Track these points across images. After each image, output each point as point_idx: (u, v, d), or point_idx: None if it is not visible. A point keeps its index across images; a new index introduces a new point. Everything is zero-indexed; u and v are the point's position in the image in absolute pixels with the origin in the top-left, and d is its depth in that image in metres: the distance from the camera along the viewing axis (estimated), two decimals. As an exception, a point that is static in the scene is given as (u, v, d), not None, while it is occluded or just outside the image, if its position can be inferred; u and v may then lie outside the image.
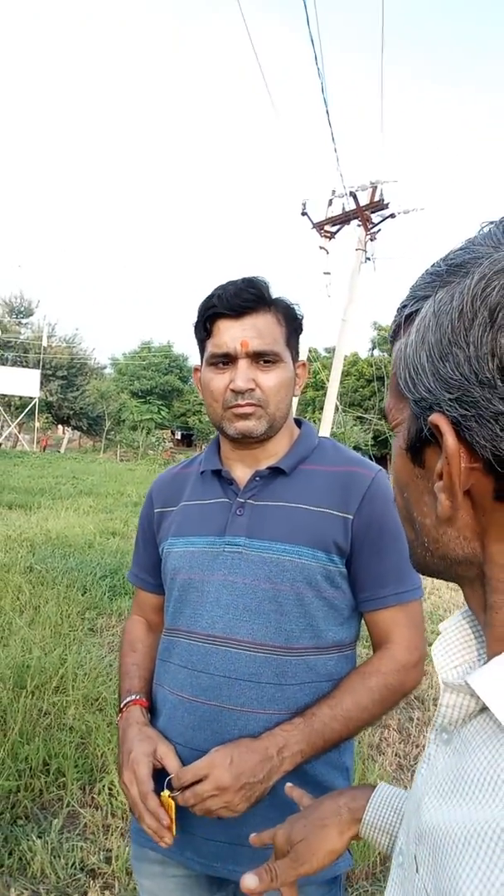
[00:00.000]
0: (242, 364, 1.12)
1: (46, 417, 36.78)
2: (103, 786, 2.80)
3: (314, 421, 22.86)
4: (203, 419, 40.52)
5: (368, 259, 15.11)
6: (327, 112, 9.46)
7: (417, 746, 3.40)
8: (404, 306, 0.50)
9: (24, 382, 31.58)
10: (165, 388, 43.77)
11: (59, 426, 41.33)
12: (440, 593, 6.80)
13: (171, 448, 40.02)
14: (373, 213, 14.32)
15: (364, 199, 14.17)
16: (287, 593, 1.10)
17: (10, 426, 32.74)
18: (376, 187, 14.06)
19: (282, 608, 1.10)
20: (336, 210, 14.53)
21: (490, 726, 0.45)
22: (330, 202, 14.47)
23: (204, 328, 1.17)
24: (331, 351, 27.21)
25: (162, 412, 43.23)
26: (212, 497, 1.22)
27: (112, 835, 2.54)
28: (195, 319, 1.19)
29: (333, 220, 14.58)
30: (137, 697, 1.22)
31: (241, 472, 1.21)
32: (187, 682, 1.14)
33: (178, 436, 48.38)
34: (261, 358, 1.12)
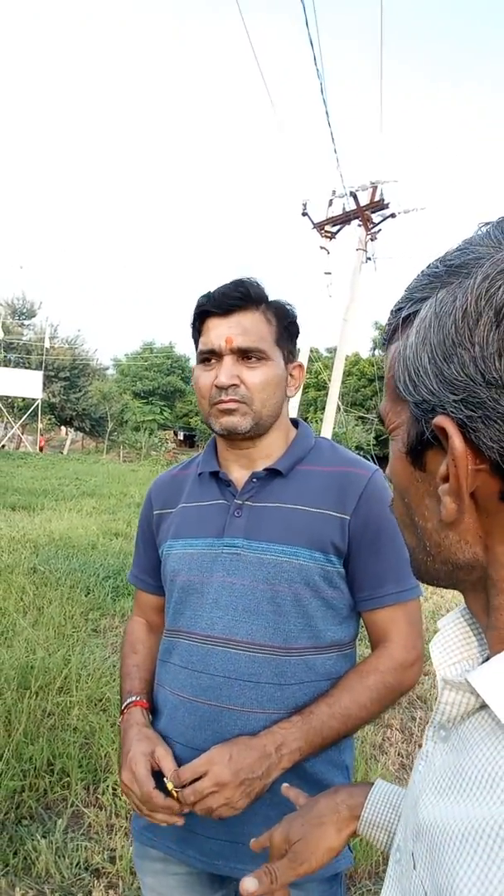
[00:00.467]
0: (227, 360, 1.14)
1: (49, 419, 36.80)
2: (107, 786, 2.82)
3: (316, 421, 22.86)
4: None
5: (369, 259, 15.13)
6: (327, 112, 9.49)
7: (420, 746, 3.40)
8: (400, 308, 0.50)
9: (27, 384, 31.63)
10: (168, 388, 43.77)
11: (62, 427, 41.38)
12: (442, 593, 6.80)
13: (173, 449, 40.06)
14: (373, 212, 14.35)
15: (364, 199, 14.20)
16: (285, 594, 1.11)
17: (13, 428, 32.78)
18: (376, 187, 14.08)
19: (280, 609, 1.11)
20: (336, 210, 14.57)
21: (489, 723, 0.45)
22: (330, 202, 14.50)
23: (195, 327, 1.20)
24: (332, 351, 27.19)
25: (164, 413, 43.24)
26: (210, 499, 1.23)
27: (116, 834, 2.55)
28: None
29: (334, 221, 14.59)
30: (138, 699, 1.23)
31: (239, 474, 1.22)
32: (187, 683, 1.15)
33: (181, 436, 48.40)
34: (246, 355, 1.14)
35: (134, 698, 1.23)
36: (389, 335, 0.52)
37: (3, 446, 31.25)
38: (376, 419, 34.71)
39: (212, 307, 1.15)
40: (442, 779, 0.48)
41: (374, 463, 1.23)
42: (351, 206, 14.20)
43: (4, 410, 32.60)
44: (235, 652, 1.11)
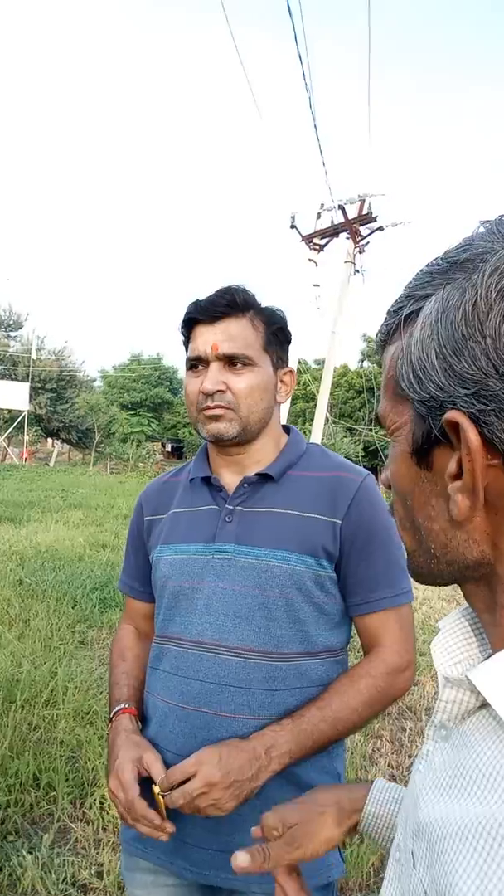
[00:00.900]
0: (213, 367, 1.14)
1: (36, 430, 36.59)
2: (94, 800, 2.78)
3: (305, 432, 22.86)
4: (193, 431, 40.48)
5: (357, 271, 15.25)
6: (315, 126, 9.59)
7: (410, 757, 3.39)
8: (400, 307, 0.49)
9: (13, 395, 31.46)
10: (155, 400, 43.70)
11: (49, 439, 41.14)
12: (431, 603, 6.81)
13: (161, 460, 39.92)
14: (361, 225, 14.47)
15: (352, 213, 14.32)
16: (276, 599, 1.11)
17: (-2, 439, 32.59)
18: (364, 200, 14.22)
19: (271, 614, 1.10)
20: (325, 223, 14.69)
21: (490, 722, 0.45)
22: (318, 215, 14.62)
23: (184, 334, 1.21)
24: (321, 363, 27.33)
25: (152, 424, 43.11)
26: (201, 504, 1.22)
27: (104, 849, 2.51)
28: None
29: (322, 233, 14.71)
30: (126, 706, 1.21)
31: (230, 479, 1.22)
32: (177, 690, 1.14)
33: (169, 448, 48.29)
34: (232, 361, 1.14)
35: (122, 706, 1.22)
36: (387, 335, 0.51)
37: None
38: (365, 430, 34.95)
39: (199, 315, 1.16)
40: (442, 778, 0.48)
41: None
42: (339, 219, 14.32)
43: (-10, 422, 32.40)
44: (226, 658, 1.10)
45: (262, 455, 1.21)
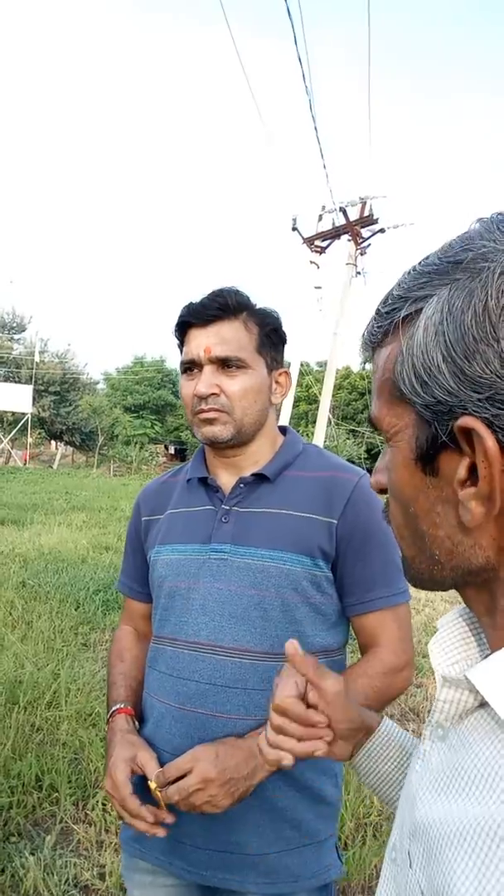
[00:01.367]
0: (207, 370, 1.15)
1: (39, 433, 36.68)
2: (97, 801, 2.78)
3: (307, 435, 22.92)
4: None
5: (359, 273, 15.25)
6: (315, 128, 9.66)
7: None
8: (395, 308, 0.48)
9: (17, 398, 31.57)
10: (158, 402, 43.77)
11: (52, 442, 41.22)
12: (434, 605, 6.80)
13: (164, 463, 39.90)
14: (363, 228, 14.48)
15: (354, 215, 14.33)
16: (272, 599, 1.11)
17: (2, 442, 32.64)
18: (366, 203, 14.23)
19: (267, 614, 1.11)
20: (326, 225, 14.71)
21: (488, 722, 0.45)
22: (320, 217, 14.64)
23: (178, 337, 1.22)
24: (323, 365, 27.33)
25: (155, 427, 43.19)
26: (198, 505, 1.23)
27: (106, 850, 2.52)
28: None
29: (324, 236, 14.73)
30: (123, 706, 1.22)
31: (226, 480, 1.22)
32: (173, 690, 1.14)
33: (172, 450, 48.30)
34: (226, 364, 1.14)
35: (119, 706, 1.22)
36: (380, 337, 0.50)
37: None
38: (367, 432, 34.92)
39: (191, 318, 1.17)
40: (440, 778, 0.47)
41: None
42: (340, 221, 14.34)
43: (-6, 425, 32.48)
44: (222, 658, 1.11)
45: (258, 456, 1.22)
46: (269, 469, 1.19)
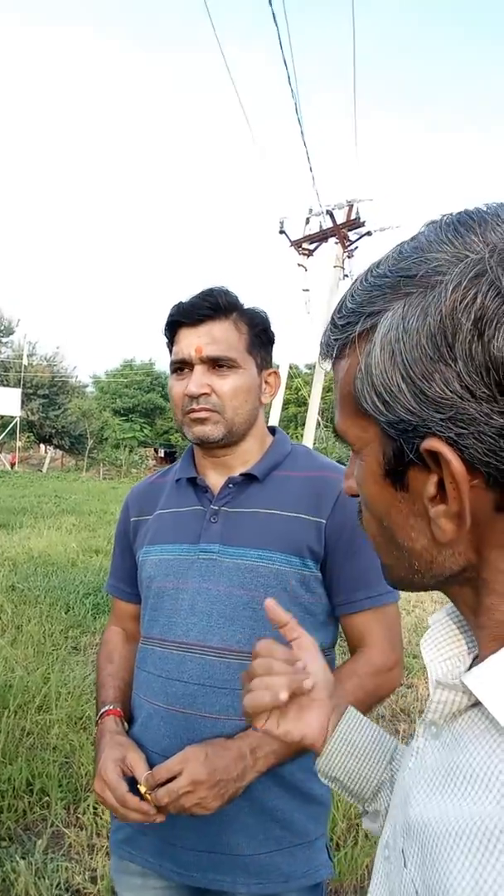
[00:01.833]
0: (198, 370, 1.15)
1: (28, 437, 36.53)
2: (88, 805, 2.77)
3: (297, 437, 22.96)
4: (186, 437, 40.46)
5: (346, 276, 15.29)
6: (302, 132, 9.68)
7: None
8: (349, 323, 0.47)
9: (5, 401, 31.41)
10: (148, 406, 43.68)
11: (41, 445, 41.04)
12: (424, 606, 6.82)
13: (154, 466, 39.79)
14: (349, 231, 14.56)
15: (341, 218, 14.41)
16: (261, 600, 1.10)
17: (-9, 446, 32.50)
18: (352, 206, 14.30)
19: (256, 614, 1.11)
20: (313, 228, 14.79)
21: (482, 721, 0.45)
22: (307, 220, 14.71)
23: (168, 337, 1.22)
24: (312, 367, 27.39)
25: (144, 430, 43.08)
26: (186, 505, 1.23)
27: (97, 854, 2.51)
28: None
29: (311, 238, 14.79)
30: (112, 707, 1.22)
31: (215, 480, 1.23)
32: (162, 691, 1.14)
33: (161, 454, 48.20)
34: (216, 363, 1.15)
35: (108, 707, 1.22)
36: (338, 351, 0.49)
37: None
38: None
39: (182, 317, 1.17)
40: (434, 776, 0.47)
41: None
42: (328, 224, 14.42)
43: (-18, 429, 32.30)
44: (211, 659, 1.11)
45: (247, 456, 1.22)
46: (258, 469, 1.20)
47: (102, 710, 1.22)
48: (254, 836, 1.09)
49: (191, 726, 1.10)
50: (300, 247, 14.69)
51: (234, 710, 1.09)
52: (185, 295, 1.19)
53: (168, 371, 1.23)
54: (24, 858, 2.43)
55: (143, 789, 1.03)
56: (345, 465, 0.62)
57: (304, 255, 14.71)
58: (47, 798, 2.81)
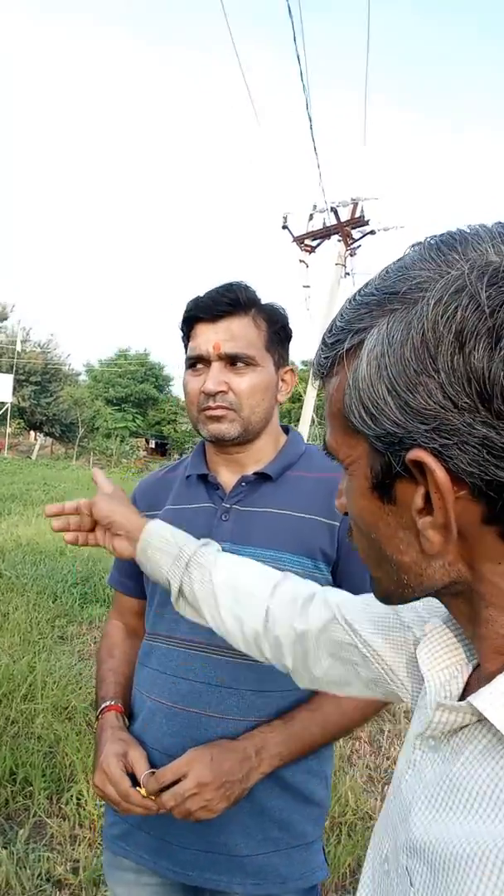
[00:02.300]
0: (215, 367, 1.13)
1: (18, 423, 36.33)
2: (71, 795, 2.76)
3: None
4: (178, 428, 40.45)
5: (348, 274, 15.26)
6: (311, 127, 9.59)
7: (388, 759, 3.40)
8: (338, 340, 0.48)
9: (-3, 387, 31.21)
10: (141, 396, 43.54)
11: (32, 432, 40.85)
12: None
13: (144, 457, 39.78)
14: (353, 228, 14.49)
15: (345, 215, 14.34)
16: None
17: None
18: (357, 204, 14.24)
19: None
20: (317, 224, 14.70)
21: (485, 736, 0.44)
22: (311, 216, 14.63)
23: (184, 331, 1.19)
24: (308, 364, 27.39)
25: (137, 420, 42.95)
26: (197, 502, 1.21)
27: (80, 845, 2.50)
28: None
29: (314, 235, 14.73)
30: (113, 703, 1.20)
31: (227, 478, 1.20)
32: (166, 688, 1.13)
33: (153, 444, 48.12)
34: (234, 361, 1.12)
35: (108, 703, 1.20)
36: (328, 368, 0.50)
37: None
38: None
39: (200, 313, 1.14)
40: (437, 792, 0.47)
41: None
42: (331, 221, 14.34)
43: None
44: (216, 658, 1.09)
45: (261, 454, 1.20)
46: (271, 468, 1.17)
47: (103, 706, 1.20)
48: (252, 836, 1.08)
49: (195, 725, 1.08)
50: (302, 243, 14.64)
51: (238, 710, 1.08)
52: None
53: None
54: (5, 848, 2.41)
55: (143, 792, 1.01)
56: None
57: (307, 251, 14.66)
58: (30, 788, 2.79)
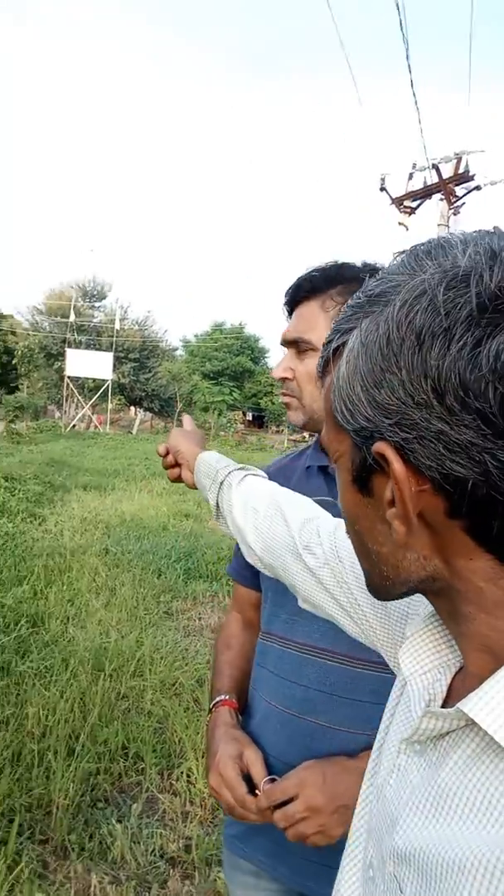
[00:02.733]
0: (286, 353, 1.13)
1: (119, 399, 37.50)
2: (181, 772, 2.80)
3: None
4: (275, 401, 40.45)
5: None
6: (411, 80, 9.10)
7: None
8: (330, 341, 0.51)
9: (98, 365, 32.24)
10: (237, 369, 43.79)
11: (132, 407, 42.11)
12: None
13: (242, 429, 40.14)
14: (457, 185, 13.75)
15: (447, 172, 13.63)
16: None
17: (84, 408, 33.59)
18: (461, 158, 13.48)
19: None
20: (417, 184, 14.09)
21: (473, 741, 0.44)
22: (410, 176, 14.02)
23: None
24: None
25: (234, 394, 43.29)
26: (316, 494, 1.14)
27: (191, 822, 2.54)
28: None
29: (414, 195, 14.13)
30: (227, 698, 1.18)
31: None
32: (279, 692, 1.08)
33: (250, 417, 48.47)
34: (298, 346, 1.10)
35: (222, 697, 1.18)
36: (323, 368, 0.53)
37: (75, 426, 32.07)
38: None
39: (285, 301, 1.15)
40: (425, 799, 0.47)
41: None
42: (433, 179, 13.67)
43: (76, 391, 33.37)
44: (333, 665, 1.03)
45: None
46: None
47: (217, 700, 1.19)
48: None
49: (309, 734, 1.03)
50: (402, 204, 14.05)
51: (354, 723, 1.01)
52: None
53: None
54: (119, 822, 2.48)
55: (263, 804, 0.96)
56: None
57: (406, 213, 14.07)
58: (142, 763, 2.86)
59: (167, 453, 1.11)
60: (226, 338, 44.60)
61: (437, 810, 0.45)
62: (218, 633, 1.36)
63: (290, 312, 1.15)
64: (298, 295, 1.11)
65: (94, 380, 33.46)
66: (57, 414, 35.36)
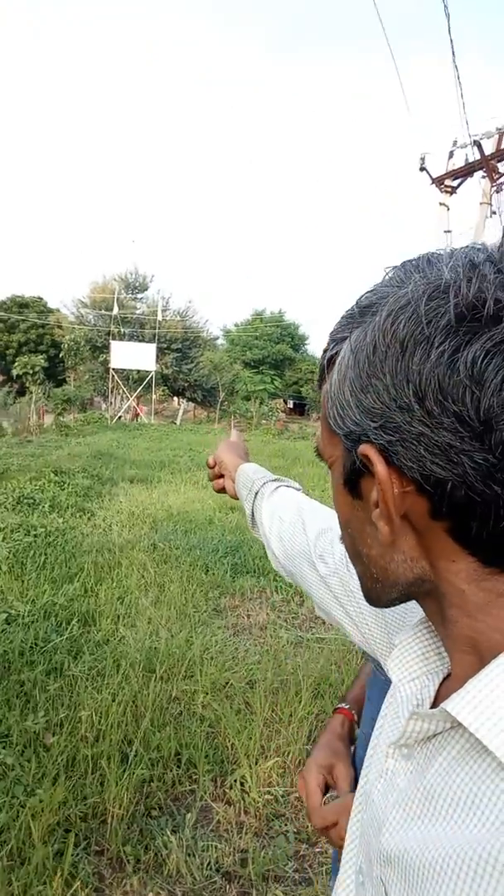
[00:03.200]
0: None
1: (163, 390, 37.70)
2: (234, 780, 2.74)
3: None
4: (316, 388, 40.16)
5: (494, 213, 14.13)
6: (453, 52, 8.78)
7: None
8: (325, 351, 0.54)
9: (141, 357, 32.47)
10: (277, 357, 43.57)
11: (175, 398, 42.33)
12: None
13: (283, 418, 39.93)
14: (499, 162, 13.29)
15: (489, 148, 13.18)
16: None
17: (128, 399, 33.88)
18: (503, 133, 13.01)
19: None
20: (458, 162, 13.68)
21: (459, 742, 0.45)
22: (451, 154, 13.62)
23: None
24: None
25: (275, 382, 43.11)
26: None
27: (246, 834, 2.47)
28: None
29: (455, 174, 13.73)
30: (345, 707, 1.20)
31: None
32: (368, 719, 1.09)
33: (291, 405, 48.21)
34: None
35: (342, 705, 1.21)
36: (320, 376, 0.56)
37: (120, 418, 32.38)
38: None
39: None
40: (409, 801, 0.48)
41: None
42: (474, 156, 13.23)
43: (121, 383, 33.66)
44: None
45: None
46: None
47: (337, 706, 1.21)
48: None
49: None
50: (442, 184, 13.67)
51: None
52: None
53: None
54: (174, 833, 2.42)
55: (317, 825, 1.01)
56: None
57: (447, 192, 13.68)
58: (195, 770, 2.80)
59: (214, 465, 1.17)
60: (266, 326, 44.36)
61: (422, 812, 0.46)
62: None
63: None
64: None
65: (138, 371, 33.72)
66: (103, 406, 35.77)
